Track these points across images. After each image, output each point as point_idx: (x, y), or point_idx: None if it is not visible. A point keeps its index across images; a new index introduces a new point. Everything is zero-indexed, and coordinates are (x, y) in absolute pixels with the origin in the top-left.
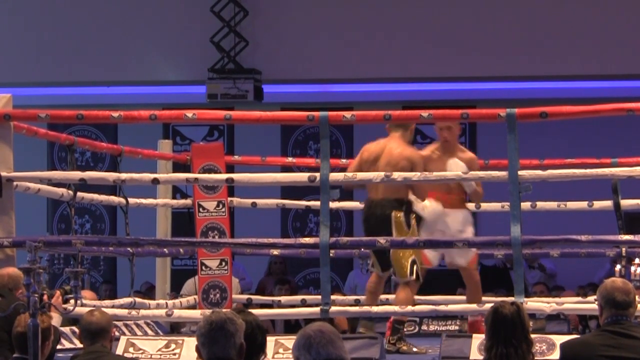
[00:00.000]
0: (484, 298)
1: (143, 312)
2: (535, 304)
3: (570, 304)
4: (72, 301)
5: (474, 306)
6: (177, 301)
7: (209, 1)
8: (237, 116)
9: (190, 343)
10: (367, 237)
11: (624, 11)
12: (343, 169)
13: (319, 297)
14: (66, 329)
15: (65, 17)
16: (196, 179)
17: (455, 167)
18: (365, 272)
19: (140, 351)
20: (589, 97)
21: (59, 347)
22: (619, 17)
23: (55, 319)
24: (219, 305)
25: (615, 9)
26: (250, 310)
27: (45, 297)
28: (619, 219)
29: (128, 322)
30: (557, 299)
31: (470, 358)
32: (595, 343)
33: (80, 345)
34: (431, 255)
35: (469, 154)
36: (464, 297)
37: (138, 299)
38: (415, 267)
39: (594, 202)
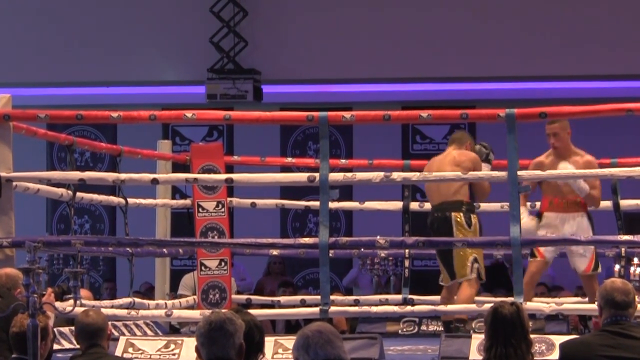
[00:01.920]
0: (482, 298)
1: (142, 312)
2: (535, 304)
3: (570, 304)
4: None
5: (473, 306)
6: (176, 301)
7: (209, 1)
8: (237, 116)
9: (189, 343)
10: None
11: (624, 11)
12: (342, 169)
13: (319, 297)
14: (66, 329)
15: (65, 17)
16: (195, 179)
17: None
18: (365, 271)
19: (140, 351)
20: (588, 97)
21: (58, 347)
22: (619, 17)
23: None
24: (219, 306)
25: (615, 9)
26: (250, 310)
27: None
28: (619, 219)
29: (127, 323)
30: (556, 299)
31: (470, 358)
32: (594, 343)
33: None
34: (546, 251)
35: (587, 157)
36: None
37: (137, 299)
38: (475, 265)
39: None
